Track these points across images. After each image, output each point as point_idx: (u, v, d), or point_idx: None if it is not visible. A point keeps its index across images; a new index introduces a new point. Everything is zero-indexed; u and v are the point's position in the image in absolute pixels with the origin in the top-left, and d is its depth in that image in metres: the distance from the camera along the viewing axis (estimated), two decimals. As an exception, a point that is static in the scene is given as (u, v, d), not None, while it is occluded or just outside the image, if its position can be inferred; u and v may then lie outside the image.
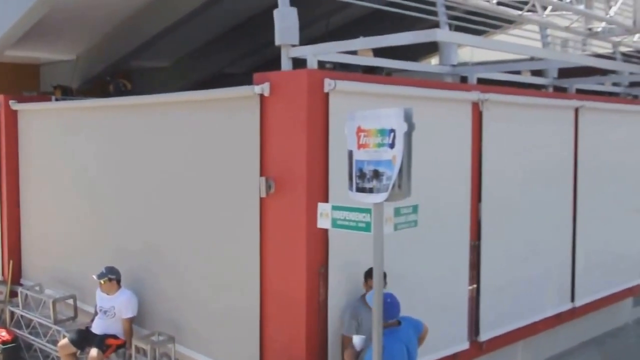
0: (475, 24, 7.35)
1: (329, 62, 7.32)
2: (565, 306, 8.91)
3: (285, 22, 6.10)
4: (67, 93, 11.04)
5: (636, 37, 5.72)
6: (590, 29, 5.28)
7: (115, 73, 11.48)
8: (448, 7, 7.72)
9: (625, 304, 10.68)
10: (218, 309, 6.77)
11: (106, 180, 8.24)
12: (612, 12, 5.10)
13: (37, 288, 8.95)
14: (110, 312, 7.30)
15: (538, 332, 8.49)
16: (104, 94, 11.04)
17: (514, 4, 4.74)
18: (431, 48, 11.20)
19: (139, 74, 12.51)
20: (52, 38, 10.13)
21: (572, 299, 9.01)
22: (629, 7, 5.13)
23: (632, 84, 10.14)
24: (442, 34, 6.01)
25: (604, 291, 9.58)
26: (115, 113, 8.29)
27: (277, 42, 6.13)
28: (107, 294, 7.31)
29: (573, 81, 9.27)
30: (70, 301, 8.40)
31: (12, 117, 9.57)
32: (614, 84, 10.23)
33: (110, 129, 8.21)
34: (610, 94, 10.24)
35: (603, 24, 5.17)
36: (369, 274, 5.77)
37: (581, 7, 4.91)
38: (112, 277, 7.26)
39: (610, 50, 9.67)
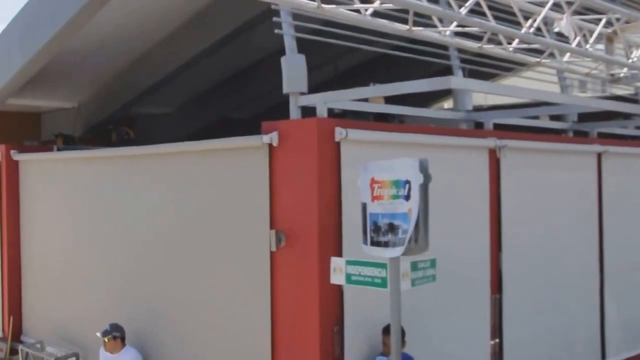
0: (489, 66, 7.45)
1: (338, 109, 7.41)
2: (595, 363, 8.77)
3: (293, 70, 6.20)
4: (69, 142, 11.17)
5: (659, 81, 5.77)
6: (612, 75, 5.33)
7: (118, 121, 11.62)
8: (460, 50, 7.83)
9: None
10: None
11: (110, 234, 8.27)
12: (634, 57, 5.16)
13: (38, 346, 8.91)
14: (113, 372, 7.23)
15: (565, 391, 8.34)
16: (107, 142, 11.17)
17: (531, 49, 4.82)
18: (444, 92, 11.35)
19: (142, 121, 12.66)
20: (53, 86, 10.31)
21: (603, 355, 8.86)
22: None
23: (657, 127, 10.17)
24: (457, 82, 6.11)
25: (637, 348, 9.39)
26: (118, 163, 8.37)
27: (285, 90, 6.22)
28: (111, 353, 7.26)
29: (594, 125, 9.32)
30: (73, 359, 8.33)
31: (14, 168, 9.67)
32: (638, 127, 10.26)
33: (114, 179, 8.28)
34: (634, 137, 10.26)
35: (625, 69, 5.23)
36: (386, 331, 5.73)
37: (601, 52, 4.98)
38: (116, 334, 7.21)
39: (632, 92, 9.75)
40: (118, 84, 10.91)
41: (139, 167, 7.99)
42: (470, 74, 8.13)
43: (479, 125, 8.12)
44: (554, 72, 9.08)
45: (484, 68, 7.61)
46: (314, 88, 6.34)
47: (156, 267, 7.60)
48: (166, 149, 7.60)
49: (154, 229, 7.65)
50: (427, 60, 7.32)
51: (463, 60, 8.17)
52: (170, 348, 7.33)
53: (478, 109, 10.88)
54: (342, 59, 12.02)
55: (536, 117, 9.05)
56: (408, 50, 6.88)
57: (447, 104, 14.80)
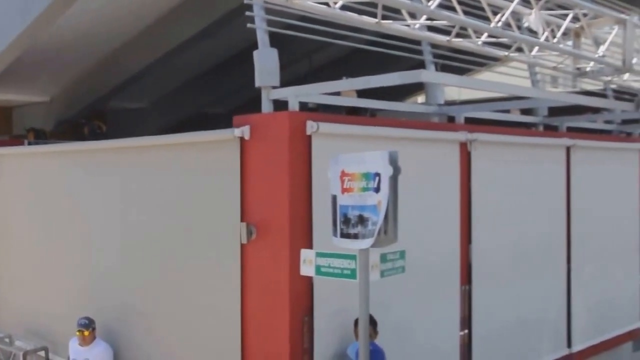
0: (461, 62, 7.49)
1: (311, 102, 7.40)
2: (562, 352, 8.88)
3: (266, 64, 6.17)
4: (40, 136, 11.05)
5: (626, 76, 5.83)
6: (579, 69, 5.39)
7: (91, 115, 11.51)
8: (433, 46, 7.86)
9: (625, 349, 10.64)
10: (198, 362, 6.69)
11: (80, 227, 8.19)
12: (600, 52, 5.22)
13: (6, 340, 8.80)
14: (84, 365, 7.18)
15: (534, 380, 8.45)
16: (79, 136, 11.05)
17: (500, 43, 4.85)
18: (417, 86, 11.38)
19: (115, 116, 12.56)
20: (25, 80, 10.18)
21: (569, 344, 8.99)
22: (617, 46, 5.26)
23: (625, 122, 10.31)
24: (427, 75, 6.13)
25: (601, 335, 9.56)
26: (90, 157, 8.29)
27: (257, 84, 6.20)
28: (82, 346, 7.20)
29: (564, 119, 9.42)
30: (42, 353, 8.25)
31: (-16, 162, 9.52)
32: (606, 122, 10.40)
33: (86, 173, 8.20)
34: (603, 131, 10.40)
35: (592, 63, 5.29)
36: (357, 322, 5.74)
37: (569, 47, 5.03)
38: (94, 327, 7.18)
39: (602, 87, 9.87)
40: (91, 79, 10.81)
41: (110, 161, 7.92)
42: (445, 69, 8.17)
43: (451, 119, 8.17)
44: (525, 67, 9.15)
45: (457, 63, 7.65)
46: (288, 83, 6.33)
47: (127, 260, 7.55)
48: (138, 142, 7.55)
49: (125, 222, 7.59)
50: (399, 55, 7.34)
51: (436, 56, 8.21)
52: (140, 340, 7.30)
53: (451, 103, 10.96)
54: (317, 54, 12.03)
55: (507, 111, 9.12)
56: (382, 45, 6.89)
57: (421, 98, 14.86)
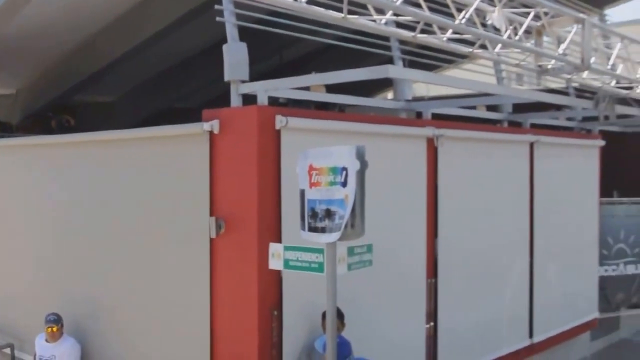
0: (429, 58, 7.53)
1: (282, 98, 7.38)
2: (524, 342, 9.01)
3: (235, 58, 6.14)
4: (6, 129, 10.85)
5: (585, 74, 5.93)
6: (540, 66, 5.46)
7: (58, 108, 11.32)
8: (402, 42, 7.89)
9: (583, 338, 10.85)
10: (166, 357, 6.63)
11: (48, 222, 8.06)
12: (560, 50, 5.30)
13: (-29, 337, 8.63)
14: (51, 361, 7.08)
15: (497, 371, 8.56)
16: (46, 130, 10.87)
17: (465, 40, 4.89)
18: (387, 83, 11.44)
19: (84, 109, 12.37)
20: (-10, 71, 9.98)
21: (531, 335, 9.13)
22: (578, 45, 5.35)
23: (585, 119, 10.48)
24: (394, 70, 6.15)
25: (561, 326, 9.73)
26: (57, 151, 8.16)
27: (226, 78, 6.16)
28: (49, 342, 7.09)
29: (528, 116, 9.53)
30: (8, 350, 8.12)
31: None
32: (568, 119, 10.55)
33: (53, 167, 8.06)
34: (564, 128, 10.55)
35: (553, 61, 5.36)
36: (325, 315, 5.75)
37: (531, 45, 5.09)
38: (62, 323, 7.07)
39: (564, 85, 10.01)
40: (59, 71, 10.62)
41: (78, 155, 7.80)
42: (414, 66, 8.19)
43: (419, 115, 8.21)
44: (491, 64, 9.24)
45: (425, 59, 7.68)
46: (259, 78, 6.30)
47: (95, 255, 7.44)
48: (106, 136, 7.45)
49: (93, 216, 7.48)
50: (368, 50, 7.36)
51: (405, 52, 8.23)
52: (109, 336, 7.21)
53: (420, 99, 11.01)
54: (288, 49, 11.98)
55: (473, 108, 9.20)
56: (352, 41, 6.90)
57: (391, 94, 14.91)
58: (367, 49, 7.00)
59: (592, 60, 5.70)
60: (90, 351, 7.30)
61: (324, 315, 5.89)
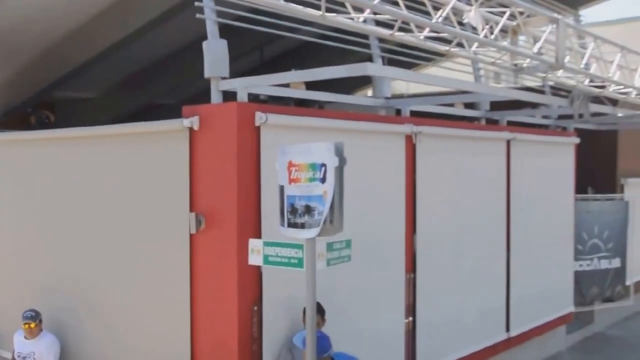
0: (408, 56, 7.55)
1: (263, 95, 7.36)
2: (501, 336, 9.09)
3: (215, 54, 6.11)
4: (-16, 125, 10.68)
5: (560, 73, 5.98)
6: (516, 65, 5.50)
7: (38, 104, 11.18)
8: (381, 40, 7.90)
9: (559, 332, 10.98)
10: (147, 352, 6.60)
11: (28, 216, 7.97)
12: (535, 49, 5.34)
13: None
14: (30, 357, 6.99)
15: (475, 364, 8.62)
16: (25, 126, 10.73)
17: (442, 38, 4.91)
18: (367, 80, 11.43)
19: (64, 106, 12.23)
20: (-33, 66, 9.82)
21: (508, 328, 9.21)
22: (552, 44, 5.39)
23: (561, 117, 10.58)
24: (373, 68, 6.16)
25: (537, 320, 9.83)
26: (37, 147, 8.06)
27: (206, 75, 6.14)
28: (27, 339, 7.02)
29: (504, 113, 9.61)
30: (-13, 347, 8.03)
31: None
32: (544, 117, 10.65)
33: (32, 163, 7.97)
34: (540, 125, 10.65)
35: (528, 60, 5.40)
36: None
37: (507, 44, 5.12)
38: (41, 319, 6.99)
39: (540, 84, 10.09)
40: (39, 67, 10.47)
41: (58, 151, 7.72)
42: (393, 63, 8.22)
43: (398, 112, 8.23)
44: (469, 62, 9.29)
45: (404, 57, 7.70)
46: (240, 75, 6.28)
47: (75, 251, 7.38)
48: (87, 132, 7.37)
49: (73, 212, 7.41)
50: (348, 48, 7.37)
51: (384, 50, 8.25)
52: (89, 331, 7.16)
53: (399, 96, 11.05)
54: (269, 46, 11.95)
55: (451, 105, 9.25)
56: (332, 38, 6.90)
57: (370, 91, 14.93)
58: (346, 46, 7.00)
59: (567, 59, 5.75)
60: (70, 347, 7.24)
61: (305, 311, 5.89)
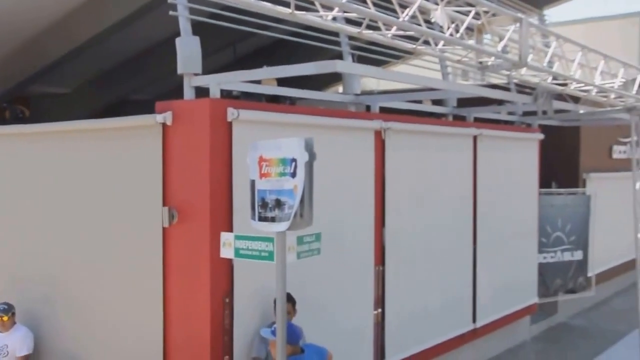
0: (378, 54, 7.60)
1: (235, 91, 7.35)
2: (467, 327, 9.21)
3: (188, 51, 6.10)
4: (-42, 120, 10.51)
5: (523, 70, 6.07)
6: (481, 63, 5.57)
7: (13, 99, 11.01)
8: (351, 38, 7.93)
9: (523, 322, 11.14)
10: (120, 344, 6.57)
11: (1, 209, 7.85)
12: (499, 47, 5.41)
13: None
14: (3, 351, 6.91)
15: (442, 354, 8.72)
16: (0, 121, 10.57)
17: (410, 36, 4.95)
18: (338, 77, 11.46)
19: (39, 101, 12.07)
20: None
21: (474, 319, 9.32)
22: (516, 43, 5.47)
23: (526, 113, 10.72)
24: (342, 65, 6.18)
25: (503, 311, 9.97)
26: (11, 141, 7.95)
27: (179, 71, 6.12)
28: (0, 331, 6.92)
29: (471, 110, 9.70)
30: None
31: None
32: (509, 113, 10.77)
33: (6, 158, 7.86)
34: (506, 122, 10.77)
35: (493, 58, 5.47)
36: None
37: (472, 42, 5.19)
38: (14, 312, 6.91)
39: (506, 81, 10.21)
40: (14, 62, 10.32)
41: (32, 145, 7.62)
42: (364, 61, 8.25)
43: (368, 109, 8.27)
44: (437, 60, 9.36)
45: (373, 55, 7.75)
46: (214, 71, 6.27)
47: (49, 245, 7.30)
48: (61, 127, 7.29)
49: (47, 207, 7.33)
50: (320, 46, 7.39)
51: (355, 47, 8.28)
52: (63, 324, 7.10)
53: (369, 93, 11.10)
54: (242, 43, 11.91)
55: (419, 102, 9.31)
56: (304, 36, 6.91)
57: (342, 88, 14.96)
58: (317, 44, 7.02)
59: (530, 57, 5.83)
60: (44, 339, 7.17)
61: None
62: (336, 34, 7.46)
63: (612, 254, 13.14)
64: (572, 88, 7.25)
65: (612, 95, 7.87)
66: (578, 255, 11.81)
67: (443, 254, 8.64)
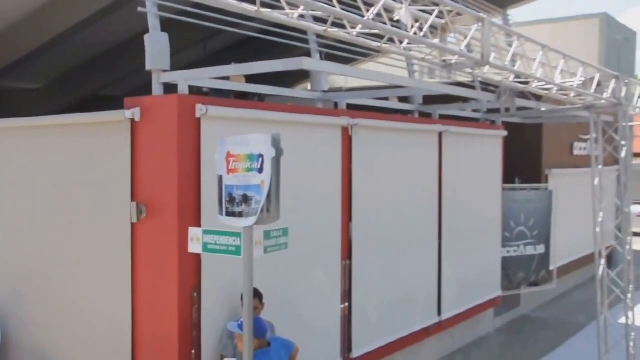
0: (346, 52, 7.61)
1: (205, 87, 7.30)
2: (433, 320, 9.30)
3: (156, 47, 6.05)
4: None
5: (486, 69, 6.14)
6: (444, 61, 5.62)
7: (-20, 94, 10.81)
8: (319, 36, 7.93)
9: (487, 315, 11.29)
10: (89, 338, 6.50)
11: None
12: (463, 46, 5.46)
13: None
14: (-30, 346, 6.81)
15: (408, 346, 8.80)
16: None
17: (376, 35, 4.97)
18: (307, 75, 11.47)
19: (8, 96, 11.86)
20: None
21: (439, 312, 9.42)
22: (479, 42, 5.53)
23: (490, 111, 10.84)
24: (309, 63, 6.19)
25: (467, 304, 10.09)
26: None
27: (147, 67, 6.08)
28: (-33, 328, 6.81)
29: (437, 107, 9.78)
30: None
31: None
32: (474, 110, 10.89)
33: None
34: (471, 119, 10.89)
35: (456, 56, 5.53)
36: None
37: (437, 41, 5.23)
38: None
39: (471, 79, 10.31)
40: (-19, 57, 10.14)
41: (1, 141, 7.48)
42: (332, 59, 8.25)
43: (336, 106, 8.28)
44: (404, 58, 9.41)
45: (340, 53, 7.75)
46: (184, 68, 6.22)
47: (18, 241, 7.19)
48: (30, 122, 7.19)
49: (16, 202, 7.21)
50: (290, 43, 7.38)
51: (323, 45, 8.28)
52: (31, 319, 7.00)
53: (337, 90, 11.12)
54: (213, 40, 11.83)
55: (386, 99, 9.36)
56: (273, 34, 6.89)
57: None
58: (285, 41, 7.01)
59: (492, 56, 5.89)
60: (11, 335, 7.07)
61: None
62: (305, 32, 7.46)
63: (573, 247, 13.38)
64: (534, 86, 7.35)
65: (572, 94, 8.00)
66: (540, 249, 12.00)
67: (409, 248, 8.71)
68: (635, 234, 14.05)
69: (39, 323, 6.94)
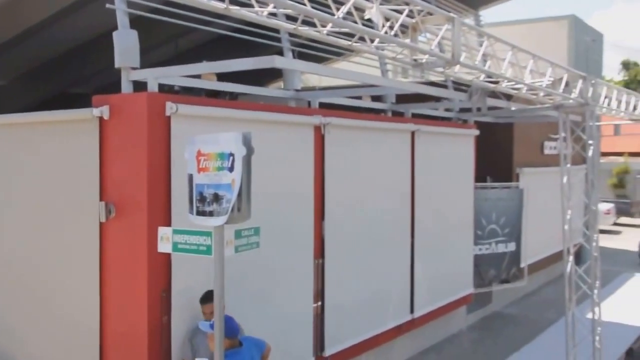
0: (319, 50, 7.61)
1: (177, 85, 7.23)
2: (405, 317, 9.35)
3: (125, 45, 5.98)
4: None
5: (457, 68, 6.18)
6: (415, 60, 5.65)
7: (-55, 91, 10.58)
8: (292, 35, 7.92)
9: (460, 312, 11.39)
10: (57, 338, 6.42)
11: None
12: (433, 46, 5.49)
13: None
14: None
15: (381, 344, 8.83)
16: None
17: (347, 33, 4.97)
18: (280, 73, 11.43)
19: (-27, 93, 11.63)
20: None
21: (412, 310, 9.47)
22: (449, 40, 5.56)
23: (462, 110, 10.93)
24: (280, 61, 6.18)
25: (440, 302, 10.16)
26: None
27: (116, 64, 6.00)
28: None
29: (409, 106, 9.84)
30: None
31: None
32: (446, 110, 10.97)
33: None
34: (443, 118, 10.97)
35: (427, 55, 5.55)
36: (204, 300, 5.70)
37: (407, 40, 5.25)
38: None
39: (444, 79, 10.38)
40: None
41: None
42: (305, 57, 8.24)
43: (309, 105, 8.27)
44: (376, 57, 9.43)
45: (313, 52, 7.75)
46: (155, 66, 6.16)
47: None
48: (-4, 120, 7.06)
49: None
50: (264, 42, 7.34)
51: (296, 44, 8.26)
52: (1, 318, 6.89)
53: (311, 89, 11.11)
54: (184, 38, 11.73)
55: (359, 98, 9.38)
56: (246, 32, 6.85)
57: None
58: (257, 39, 6.98)
59: (463, 56, 5.93)
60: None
61: (201, 301, 5.77)
62: (278, 31, 7.44)
63: (543, 245, 13.57)
64: (504, 86, 7.42)
65: (541, 94, 8.09)
66: (511, 246, 12.14)
67: (382, 246, 8.74)
68: (602, 231, 14.30)
69: (9, 322, 6.83)
